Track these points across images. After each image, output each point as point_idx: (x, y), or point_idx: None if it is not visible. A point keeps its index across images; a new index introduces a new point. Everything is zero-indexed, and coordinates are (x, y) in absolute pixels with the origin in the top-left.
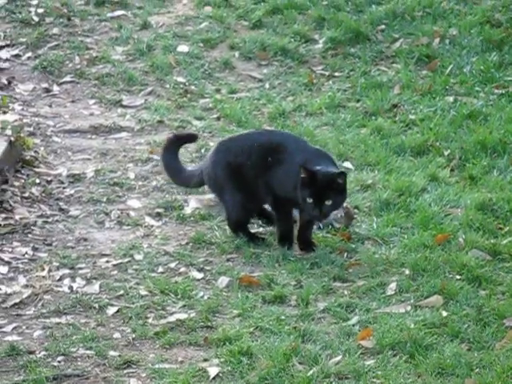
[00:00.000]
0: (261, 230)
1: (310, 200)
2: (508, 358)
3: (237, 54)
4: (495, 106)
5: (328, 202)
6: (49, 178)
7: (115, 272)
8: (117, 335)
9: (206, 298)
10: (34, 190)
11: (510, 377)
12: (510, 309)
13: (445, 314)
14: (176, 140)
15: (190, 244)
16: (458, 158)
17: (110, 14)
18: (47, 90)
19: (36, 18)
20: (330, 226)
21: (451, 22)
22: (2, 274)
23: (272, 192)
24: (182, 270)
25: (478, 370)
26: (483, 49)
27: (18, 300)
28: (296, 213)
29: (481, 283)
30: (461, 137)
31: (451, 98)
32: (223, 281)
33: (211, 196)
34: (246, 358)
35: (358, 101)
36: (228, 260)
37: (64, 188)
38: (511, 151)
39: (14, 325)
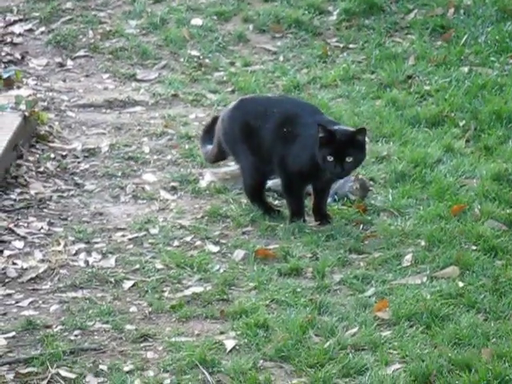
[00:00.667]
0: (276, 202)
1: (330, 158)
2: None
3: (251, 26)
4: (510, 75)
5: (349, 159)
6: (64, 153)
7: (131, 246)
8: (133, 309)
9: (221, 271)
10: (48, 164)
11: None
12: None
13: (461, 284)
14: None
15: (206, 217)
16: (473, 129)
17: None
18: (61, 65)
19: None
20: (346, 198)
21: None
22: (18, 248)
23: (285, 168)
24: (198, 243)
25: (494, 339)
26: (498, 18)
27: (34, 275)
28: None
29: (497, 253)
30: (476, 107)
31: (466, 69)
32: (239, 254)
33: (227, 169)
34: (262, 331)
35: (373, 72)
36: (243, 233)
37: (79, 163)
38: None
39: (31, 299)
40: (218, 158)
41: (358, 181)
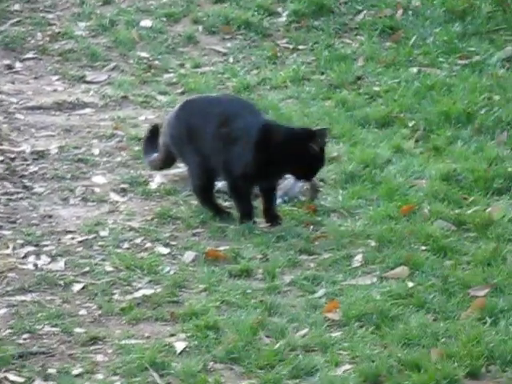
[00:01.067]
0: (226, 203)
1: None
2: (473, 327)
3: (200, 28)
4: (459, 76)
5: None
6: (12, 156)
7: (80, 249)
8: (82, 312)
9: (171, 273)
10: None
11: (475, 346)
12: (474, 278)
13: (410, 284)
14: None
15: (156, 219)
16: (423, 129)
17: None
18: (9, 67)
19: None
20: (296, 200)
21: None
22: None
23: (229, 170)
24: (148, 245)
25: (443, 339)
26: (446, 19)
27: None
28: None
29: (446, 253)
30: (425, 108)
31: (415, 69)
32: (189, 255)
33: (176, 171)
34: (212, 333)
35: (323, 73)
36: (194, 235)
37: (28, 165)
38: (475, 121)
39: None
40: (166, 163)
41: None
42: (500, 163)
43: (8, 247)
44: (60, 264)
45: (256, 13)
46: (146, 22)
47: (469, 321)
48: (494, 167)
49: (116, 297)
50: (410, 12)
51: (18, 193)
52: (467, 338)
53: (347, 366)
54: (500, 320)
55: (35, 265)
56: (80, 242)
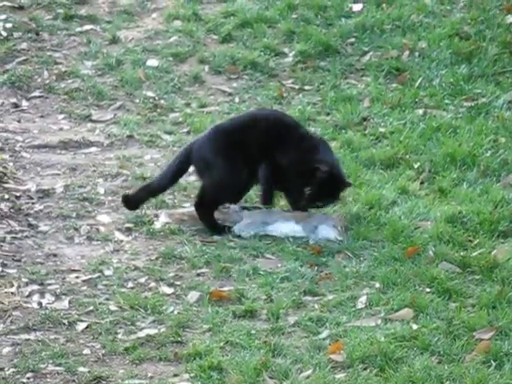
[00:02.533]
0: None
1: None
2: (478, 370)
3: (206, 67)
4: (464, 118)
5: None
6: (18, 194)
7: (85, 288)
8: (86, 351)
9: (175, 312)
10: (2, 205)
11: None
12: (479, 321)
13: (415, 327)
14: None
15: (160, 259)
16: (428, 171)
17: (78, 29)
18: (16, 105)
19: (4, 33)
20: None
21: (420, 34)
22: None
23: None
24: (152, 285)
25: (448, 382)
26: (452, 61)
27: None
28: None
29: (451, 296)
30: (430, 149)
31: (421, 111)
32: (193, 296)
33: (183, 210)
34: (216, 373)
35: (328, 114)
36: (198, 275)
37: (33, 203)
38: (480, 164)
39: None
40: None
41: (340, 221)
42: (505, 206)
43: (13, 285)
44: (64, 303)
45: (262, 53)
46: (153, 62)
47: (473, 364)
48: (500, 210)
49: (120, 336)
50: (417, 53)
51: (22, 231)
52: (472, 381)
53: None
54: (505, 363)
55: (39, 303)
56: (84, 280)
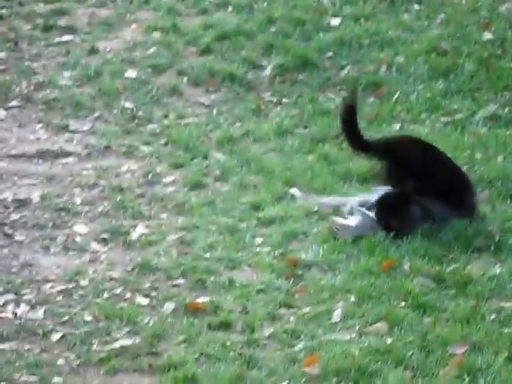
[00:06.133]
0: None
1: None
2: None
3: (185, 79)
4: (441, 133)
5: None
6: None
7: (60, 298)
8: (61, 361)
9: (151, 324)
10: None
11: None
12: (453, 336)
13: (389, 340)
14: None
15: (136, 270)
16: None
17: (57, 39)
18: None
19: None
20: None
21: (398, 49)
22: None
23: None
24: (128, 295)
25: None
26: (429, 76)
27: None
28: None
29: (425, 310)
30: None
31: (397, 126)
32: (169, 307)
33: (159, 222)
34: None
35: (306, 127)
36: (174, 286)
37: (9, 213)
38: None
39: None
40: None
41: None
42: (481, 221)
43: None
44: (39, 313)
45: (241, 65)
46: (131, 73)
47: (447, 378)
48: (475, 225)
49: (94, 347)
50: (394, 68)
51: None
52: None
53: None
54: (478, 378)
55: (14, 313)
56: (60, 291)
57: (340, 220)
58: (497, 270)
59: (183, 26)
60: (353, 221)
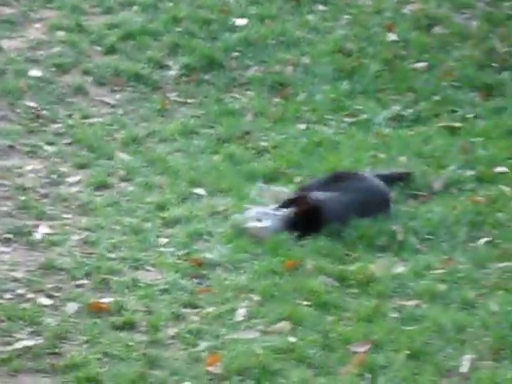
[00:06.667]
0: None
1: None
2: (352, 383)
3: (90, 79)
4: (345, 133)
5: None
6: None
7: None
8: None
9: (53, 324)
10: None
11: None
12: (355, 334)
13: (292, 339)
14: None
15: (39, 270)
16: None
17: None
18: None
19: None
20: None
21: (304, 50)
22: None
23: None
24: (30, 296)
25: None
26: (334, 77)
27: None
28: None
29: (328, 309)
30: (312, 164)
31: (303, 126)
32: (72, 307)
33: (63, 222)
34: None
35: (211, 127)
36: (77, 286)
37: None
38: None
39: None
40: None
41: None
42: (384, 221)
43: None
44: None
45: (146, 65)
46: (35, 72)
47: (348, 377)
48: (378, 224)
49: None
50: (300, 69)
51: None
52: None
53: None
54: (379, 376)
55: None
56: None
57: (254, 224)
58: (399, 269)
59: (88, 25)
60: (267, 222)
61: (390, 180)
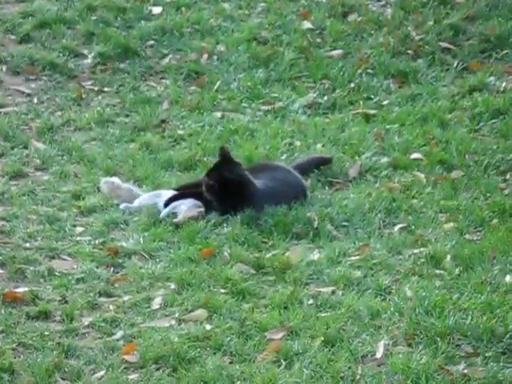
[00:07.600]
0: None
1: None
2: (268, 369)
3: (4, 68)
4: (261, 121)
5: None
6: None
7: None
8: None
9: None
10: None
11: None
12: (271, 321)
13: (208, 327)
14: None
15: None
16: None
17: None
18: None
19: None
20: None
21: (219, 38)
22: None
23: None
24: None
25: (239, 382)
26: (250, 65)
27: None
28: None
29: (244, 296)
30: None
31: (219, 114)
32: None
33: None
34: (7, 375)
35: (127, 116)
36: None
37: None
38: None
39: None
40: None
41: None
42: (300, 208)
43: None
44: None
45: (61, 54)
46: None
47: (264, 363)
48: (294, 212)
49: None
50: (215, 57)
51: None
52: (262, 381)
53: None
54: (294, 362)
55: None
56: None
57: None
58: (315, 256)
59: (2, 13)
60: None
61: (313, 165)
